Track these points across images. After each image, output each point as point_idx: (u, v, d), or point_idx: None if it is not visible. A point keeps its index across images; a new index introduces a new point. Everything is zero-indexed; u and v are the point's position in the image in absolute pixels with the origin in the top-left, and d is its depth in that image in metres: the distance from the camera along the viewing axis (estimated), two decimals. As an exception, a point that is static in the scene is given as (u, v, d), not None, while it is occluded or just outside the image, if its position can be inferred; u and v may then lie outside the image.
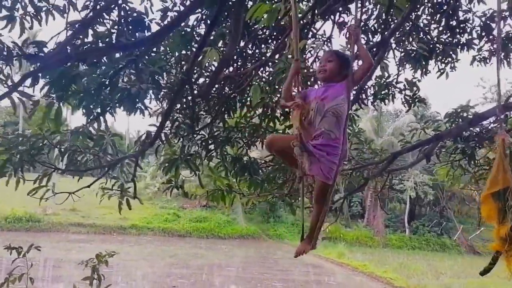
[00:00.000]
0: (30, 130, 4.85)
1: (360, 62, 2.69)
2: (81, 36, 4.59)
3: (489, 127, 6.11)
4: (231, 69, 5.97)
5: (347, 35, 2.83)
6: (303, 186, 2.81)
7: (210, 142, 5.64)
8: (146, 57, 4.52)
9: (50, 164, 4.85)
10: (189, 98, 5.08)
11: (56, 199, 4.96)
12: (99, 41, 4.61)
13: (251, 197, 6.05)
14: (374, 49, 5.72)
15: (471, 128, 6.07)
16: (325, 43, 5.77)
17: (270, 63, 5.20)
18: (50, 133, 4.69)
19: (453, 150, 6.27)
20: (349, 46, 3.26)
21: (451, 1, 6.53)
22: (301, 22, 4.25)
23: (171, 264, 22.10)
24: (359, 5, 4.29)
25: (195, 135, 5.57)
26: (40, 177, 4.71)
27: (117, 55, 4.36)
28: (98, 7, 4.82)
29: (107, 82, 4.09)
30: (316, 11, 4.72)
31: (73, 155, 4.89)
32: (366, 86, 5.98)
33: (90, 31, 4.78)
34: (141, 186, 33.47)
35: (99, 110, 4.43)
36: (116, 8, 4.76)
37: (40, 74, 3.84)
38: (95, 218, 29.65)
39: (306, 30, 4.57)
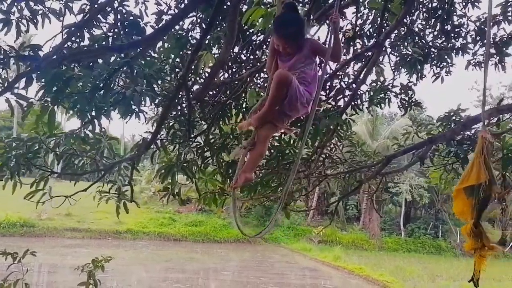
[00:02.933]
0: (26, 134, 4.82)
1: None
2: (77, 40, 4.58)
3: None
4: (226, 75, 5.97)
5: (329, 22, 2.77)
6: None
7: (206, 149, 5.62)
8: (141, 60, 4.51)
9: (46, 168, 4.82)
10: (184, 104, 5.07)
11: (52, 203, 4.92)
12: (95, 44, 4.61)
13: (244, 200, 6.03)
14: (369, 53, 5.73)
15: (464, 131, 6.09)
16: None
17: (264, 69, 5.21)
18: (47, 136, 4.66)
19: (447, 154, 6.30)
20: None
21: (446, 6, 6.57)
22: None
23: (166, 268, 22.04)
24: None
25: (190, 142, 5.56)
26: (36, 181, 4.68)
27: (112, 57, 4.34)
28: (94, 10, 4.82)
29: (101, 85, 4.07)
30: (311, 16, 4.74)
31: (70, 158, 4.86)
32: (361, 91, 6.00)
33: (87, 34, 4.78)
34: (137, 190, 33.24)
35: (93, 113, 4.40)
36: (112, 11, 4.76)
37: (34, 76, 3.82)
38: (90, 223, 29.53)
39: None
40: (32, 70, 3.70)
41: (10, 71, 4.15)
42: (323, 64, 2.66)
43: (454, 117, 6.14)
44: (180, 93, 4.95)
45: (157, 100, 5.15)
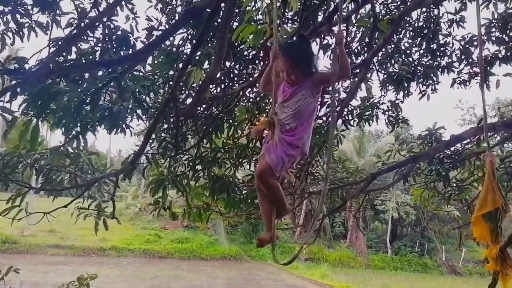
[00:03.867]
0: (4, 148, 4.70)
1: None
2: (64, 53, 4.53)
3: (461, 150, 6.21)
4: (218, 89, 5.96)
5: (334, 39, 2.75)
6: None
7: (197, 162, 5.57)
8: (129, 75, 4.47)
9: (24, 183, 4.70)
10: (173, 118, 5.03)
11: (30, 219, 4.78)
12: (82, 58, 4.56)
13: (228, 216, 5.97)
14: (357, 70, 5.79)
15: (447, 150, 6.15)
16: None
17: (257, 84, 5.22)
18: (27, 151, 4.56)
19: (428, 172, 6.35)
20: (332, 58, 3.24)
21: (431, 25, 6.69)
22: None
23: (152, 286, 21.61)
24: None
25: (181, 156, 5.50)
26: (13, 197, 4.55)
27: (100, 72, 4.30)
28: (82, 24, 4.78)
29: (88, 100, 4.01)
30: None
31: (49, 173, 4.75)
32: (351, 107, 6.04)
33: (74, 48, 4.73)
34: (122, 206, 32.88)
35: (78, 128, 4.33)
36: (101, 25, 4.73)
37: (19, 90, 3.74)
38: (74, 240, 28.89)
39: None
40: (18, 84, 3.63)
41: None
42: (331, 88, 2.68)
43: (434, 135, 6.20)
44: (168, 107, 4.91)
45: (145, 116, 5.11)
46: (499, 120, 6.62)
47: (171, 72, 5.69)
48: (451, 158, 6.20)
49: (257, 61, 5.83)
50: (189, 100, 5.82)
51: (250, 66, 5.99)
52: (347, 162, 7.43)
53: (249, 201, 5.63)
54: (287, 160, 2.50)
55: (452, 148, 6.27)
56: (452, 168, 6.27)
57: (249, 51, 5.73)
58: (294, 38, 2.76)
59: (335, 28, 5.21)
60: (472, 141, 5.98)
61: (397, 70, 6.45)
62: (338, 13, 2.90)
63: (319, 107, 5.80)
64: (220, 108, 5.80)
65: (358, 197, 6.85)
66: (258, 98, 5.00)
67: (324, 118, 5.85)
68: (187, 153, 5.70)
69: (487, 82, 6.96)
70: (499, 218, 2.67)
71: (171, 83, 5.61)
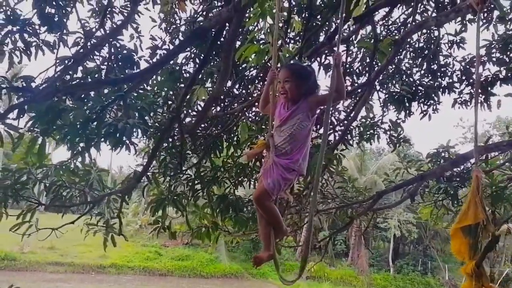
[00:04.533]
0: (15, 165, 4.76)
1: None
2: (70, 72, 4.61)
3: (470, 168, 6.23)
4: (218, 108, 6.02)
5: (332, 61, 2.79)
6: None
7: (196, 181, 5.59)
8: (134, 94, 4.54)
9: (34, 199, 4.73)
10: (176, 137, 5.08)
11: (37, 235, 4.81)
12: (88, 76, 4.63)
13: (236, 235, 5.96)
14: (359, 90, 5.85)
15: (454, 169, 6.17)
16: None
17: (256, 103, 5.28)
18: (36, 167, 4.60)
19: (436, 190, 6.35)
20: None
21: (432, 46, 6.78)
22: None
23: (151, 304, 21.38)
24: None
25: (181, 175, 5.53)
26: (24, 213, 4.58)
27: (106, 90, 4.37)
28: (88, 44, 4.87)
29: (94, 117, 4.07)
30: (303, 54, 4.85)
31: (58, 190, 4.79)
32: (352, 127, 6.08)
33: (80, 67, 4.81)
34: (123, 223, 32.72)
35: (83, 144, 4.38)
36: (107, 45, 4.82)
37: (26, 107, 3.81)
38: (73, 257, 28.69)
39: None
40: (26, 101, 3.69)
41: (1, 101, 4.14)
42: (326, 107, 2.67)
43: (443, 154, 6.22)
44: (173, 125, 4.97)
45: (148, 132, 5.16)
46: (504, 140, 6.64)
47: (171, 92, 5.75)
48: (459, 177, 6.22)
49: (256, 81, 5.90)
50: (188, 119, 5.88)
51: (250, 86, 6.06)
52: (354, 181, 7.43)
53: (256, 218, 5.62)
54: (283, 183, 2.55)
55: (462, 167, 6.30)
56: (460, 187, 6.27)
57: (250, 70, 5.81)
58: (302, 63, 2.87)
59: (336, 49, 5.30)
60: (480, 159, 6.01)
61: (398, 90, 6.51)
62: (337, 35, 2.97)
63: (318, 126, 5.86)
64: (219, 128, 5.86)
65: (365, 215, 6.85)
66: (257, 118, 5.05)
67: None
68: (186, 173, 5.72)
69: (488, 102, 7.02)
70: (479, 234, 2.56)
71: (170, 102, 5.67)
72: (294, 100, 2.61)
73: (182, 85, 5.36)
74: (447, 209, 6.78)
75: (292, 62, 2.82)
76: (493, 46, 6.66)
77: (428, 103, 6.93)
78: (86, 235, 5.07)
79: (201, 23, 5.09)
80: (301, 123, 2.57)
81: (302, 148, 2.59)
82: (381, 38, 5.77)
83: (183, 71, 5.82)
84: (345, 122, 5.90)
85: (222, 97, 5.92)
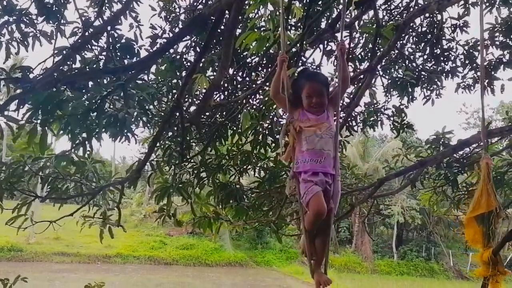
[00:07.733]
0: (10, 158, 4.74)
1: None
2: (68, 62, 4.56)
3: (469, 154, 6.19)
4: (222, 96, 5.97)
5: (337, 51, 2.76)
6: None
7: (201, 170, 5.57)
8: (134, 83, 4.49)
9: (30, 192, 4.71)
10: (179, 125, 5.04)
11: (35, 228, 4.80)
12: (87, 67, 4.59)
13: (237, 224, 5.95)
14: (362, 76, 5.78)
15: (454, 154, 6.13)
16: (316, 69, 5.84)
17: (260, 91, 5.23)
18: (33, 159, 4.57)
19: (436, 176, 6.32)
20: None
21: (435, 31, 6.69)
22: (291, 51, 4.30)
23: (157, 293, 21.59)
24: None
25: (186, 163, 5.50)
26: (19, 206, 4.56)
27: (105, 80, 4.32)
28: (87, 33, 4.81)
29: (94, 107, 4.03)
30: (305, 41, 4.79)
31: (54, 182, 4.76)
32: (355, 113, 6.03)
33: (78, 57, 4.76)
34: (127, 213, 32.91)
35: (84, 135, 4.35)
36: (105, 34, 4.76)
37: (25, 98, 3.77)
38: (79, 247, 28.96)
39: (296, 59, 4.62)
40: (25, 92, 3.66)
41: (1, 93, 4.11)
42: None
43: (442, 140, 6.18)
44: (174, 114, 4.93)
45: (153, 121, 5.13)
46: (507, 124, 6.59)
47: (175, 80, 5.70)
48: (459, 162, 6.17)
49: (260, 68, 5.83)
50: (192, 108, 5.84)
51: (253, 73, 6.00)
52: (355, 168, 7.40)
53: (256, 207, 5.61)
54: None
55: (461, 152, 6.26)
56: (460, 172, 6.24)
57: (252, 58, 5.75)
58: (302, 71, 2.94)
59: (338, 35, 5.24)
60: (480, 145, 5.96)
61: (401, 75, 6.44)
62: (341, 22, 2.92)
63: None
64: (224, 116, 5.82)
65: (366, 202, 6.82)
66: (261, 105, 5.01)
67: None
68: (191, 161, 5.69)
69: (492, 87, 6.96)
70: (492, 221, 2.59)
71: (174, 91, 5.63)
72: (324, 105, 2.61)
73: (184, 74, 5.32)
74: (445, 196, 6.76)
75: (308, 71, 2.81)
76: (496, 29, 6.57)
77: (431, 88, 6.87)
78: (82, 227, 5.07)
79: (201, 11, 5.02)
80: (331, 125, 2.56)
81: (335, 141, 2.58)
82: (384, 23, 5.69)
83: (184, 60, 5.76)
84: (347, 108, 5.85)
85: (225, 85, 5.87)
